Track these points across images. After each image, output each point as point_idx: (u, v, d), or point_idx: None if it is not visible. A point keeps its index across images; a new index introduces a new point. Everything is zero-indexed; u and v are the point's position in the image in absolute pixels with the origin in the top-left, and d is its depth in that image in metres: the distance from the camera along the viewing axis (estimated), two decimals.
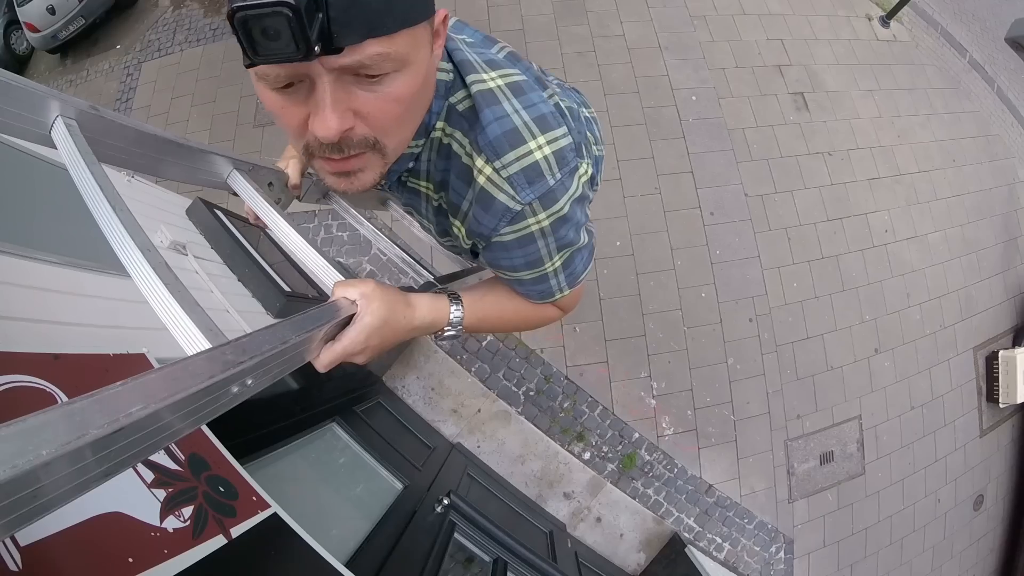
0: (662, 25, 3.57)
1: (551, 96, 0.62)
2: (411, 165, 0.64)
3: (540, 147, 0.56)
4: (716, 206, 3.19)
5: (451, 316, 0.69)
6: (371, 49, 0.41)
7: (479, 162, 0.56)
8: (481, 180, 0.56)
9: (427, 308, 0.65)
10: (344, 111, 0.45)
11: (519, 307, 0.76)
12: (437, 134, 0.60)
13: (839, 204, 3.41)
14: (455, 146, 0.58)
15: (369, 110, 0.46)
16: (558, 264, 0.66)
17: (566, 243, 0.63)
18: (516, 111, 0.57)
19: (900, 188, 3.62)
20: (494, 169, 0.55)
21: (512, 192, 0.55)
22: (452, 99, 0.58)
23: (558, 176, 0.57)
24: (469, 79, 0.57)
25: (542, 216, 0.58)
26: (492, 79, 0.58)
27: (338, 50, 0.39)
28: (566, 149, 0.58)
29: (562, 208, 0.58)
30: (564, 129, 0.59)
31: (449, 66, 0.58)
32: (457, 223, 0.65)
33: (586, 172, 0.62)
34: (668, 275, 3.02)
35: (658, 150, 3.24)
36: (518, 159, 0.55)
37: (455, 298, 0.69)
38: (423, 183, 0.66)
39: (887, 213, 3.52)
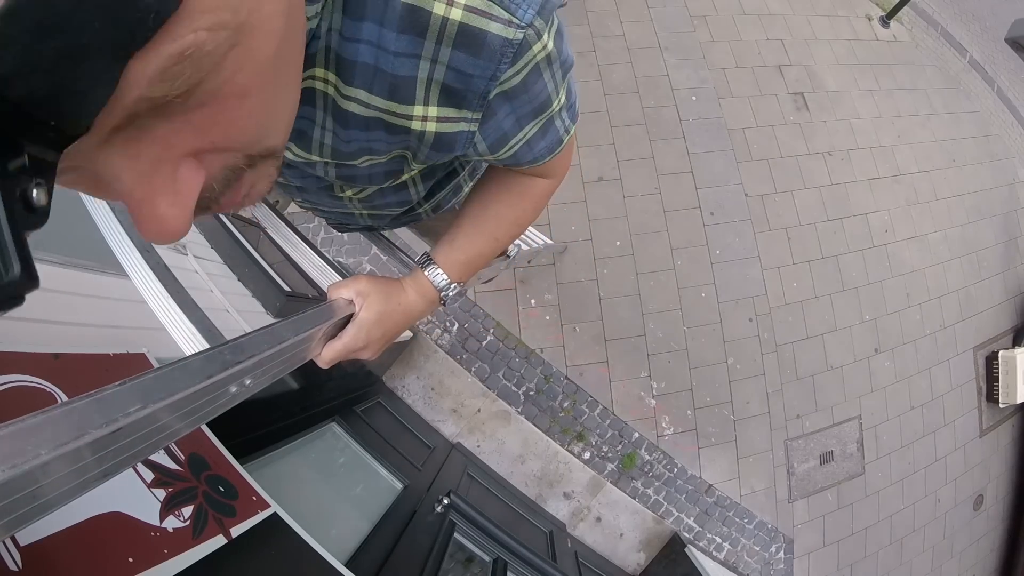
0: (662, 25, 3.57)
1: None
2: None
3: None
4: (716, 206, 3.19)
5: (435, 282, 0.62)
6: (138, 85, 0.19)
7: None
8: (455, 14, 0.38)
9: (413, 290, 0.62)
10: (169, 185, 0.24)
11: (500, 216, 0.63)
12: None
13: (839, 204, 3.41)
14: None
15: (207, 140, 0.25)
16: (563, 97, 0.50)
17: (568, 64, 0.48)
18: None
19: (900, 188, 3.62)
20: None
21: (506, 14, 0.39)
22: None
23: None
24: None
25: (546, 37, 0.42)
26: None
27: (70, 136, 0.19)
28: None
29: (555, 20, 0.43)
30: None
31: None
32: (411, 112, 0.43)
33: None
34: (668, 275, 3.02)
35: (658, 150, 3.24)
36: None
37: (428, 264, 0.63)
38: (320, 74, 0.43)
39: (887, 213, 3.52)
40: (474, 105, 0.43)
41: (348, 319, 0.56)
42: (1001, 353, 3.61)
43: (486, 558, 1.78)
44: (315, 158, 0.52)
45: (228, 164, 0.29)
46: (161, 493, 0.82)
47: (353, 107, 0.44)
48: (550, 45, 0.43)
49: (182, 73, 0.21)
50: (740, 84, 3.50)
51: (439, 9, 0.38)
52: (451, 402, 2.67)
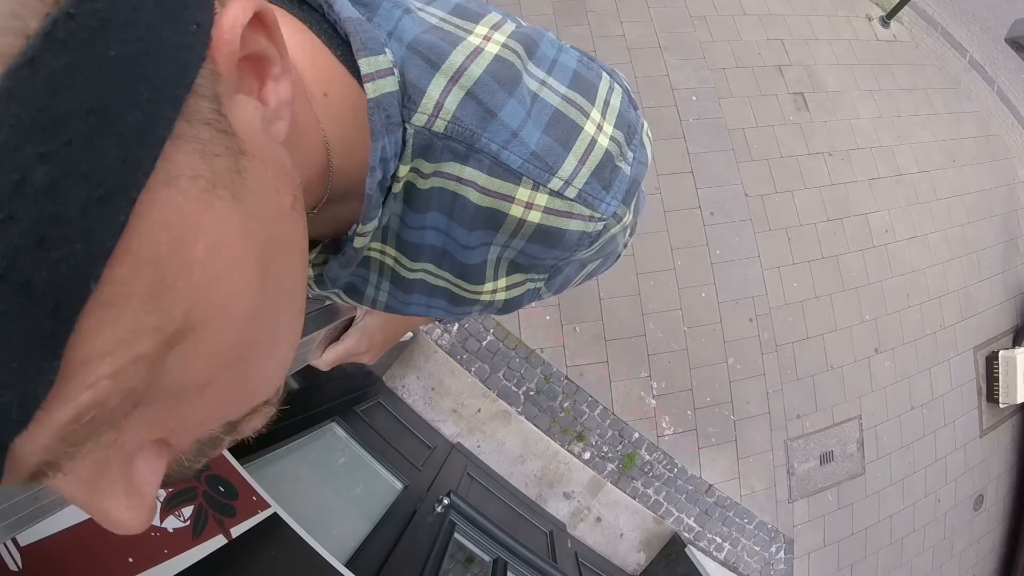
0: (662, 25, 3.57)
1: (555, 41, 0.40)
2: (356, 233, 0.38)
3: (599, 125, 0.36)
4: (716, 206, 3.19)
5: None
6: (32, 456, 0.14)
7: (522, 193, 0.34)
8: (534, 217, 0.35)
9: None
10: (119, 487, 0.18)
11: None
12: (402, 183, 0.35)
13: (839, 204, 3.41)
14: (452, 186, 0.35)
15: (165, 431, 0.20)
16: (629, 233, 0.48)
17: (640, 211, 0.46)
18: (544, 84, 0.35)
19: (900, 188, 3.62)
20: (552, 193, 0.35)
21: (587, 211, 0.36)
22: (417, 120, 0.32)
23: (630, 156, 0.37)
24: (449, 62, 0.32)
25: (628, 218, 0.39)
26: (484, 39, 0.34)
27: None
28: (623, 106, 0.38)
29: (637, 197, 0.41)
30: (606, 77, 0.38)
31: (386, 59, 0.31)
32: (481, 289, 0.42)
33: (645, 124, 0.41)
34: (668, 275, 3.02)
35: (658, 150, 3.24)
36: (581, 160, 0.35)
37: None
38: (376, 246, 0.41)
39: (887, 213, 3.52)
40: (542, 271, 0.42)
41: (349, 322, 0.56)
42: (1001, 353, 3.61)
43: (486, 558, 1.78)
44: (365, 307, 0.50)
45: (200, 438, 0.22)
46: (161, 493, 0.82)
47: (420, 275, 0.43)
48: (629, 220, 0.40)
49: (90, 428, 0.15)
50: (740, 84, 3.50)
51: (516, 212, 0.35)
52: (451, 402, 2.67)
